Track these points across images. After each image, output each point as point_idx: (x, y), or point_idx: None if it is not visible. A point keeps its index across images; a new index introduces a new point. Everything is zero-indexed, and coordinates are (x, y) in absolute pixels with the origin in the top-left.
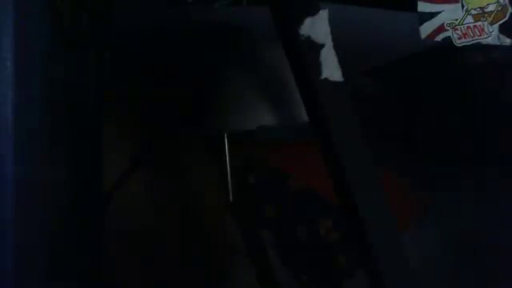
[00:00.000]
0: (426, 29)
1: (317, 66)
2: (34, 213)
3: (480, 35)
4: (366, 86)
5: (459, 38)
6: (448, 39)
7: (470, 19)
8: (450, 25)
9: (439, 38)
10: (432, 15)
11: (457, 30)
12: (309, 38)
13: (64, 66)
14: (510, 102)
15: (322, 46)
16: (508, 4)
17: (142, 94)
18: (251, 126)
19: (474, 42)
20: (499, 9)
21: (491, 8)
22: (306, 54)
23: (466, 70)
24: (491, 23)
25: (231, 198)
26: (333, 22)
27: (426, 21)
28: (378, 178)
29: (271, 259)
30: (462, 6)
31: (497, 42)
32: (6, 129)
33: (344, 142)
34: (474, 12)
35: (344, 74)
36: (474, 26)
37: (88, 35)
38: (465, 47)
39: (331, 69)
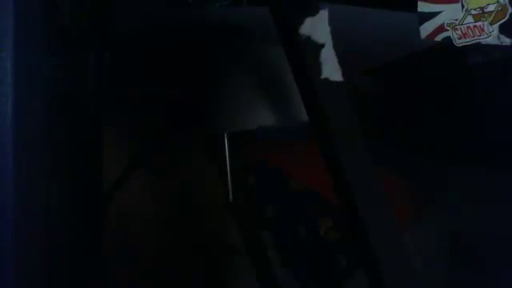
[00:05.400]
0: (425, 29)
1: (317, 66)
2: (34, 213)
3: (480, 35)
4: (366, 85)
5: (459, 38)
6: (448, 39)
7: (470, 19)
8: (449, 25)
9: (439, 37)
10: (432, 15)
11: (457, 30)
12: (309, 38)
13: (64, 66)
14: (510, 102)
15: (322, 45)
16: (508, 4)
17: (142, 94)
18: (251, 125)
19: (474, 41)
20: (499, 9)
21: (491, 8)
22: (305, 54)
23: (466, 70)
24: (491, 23)
25: (231, 197)
26: (333, 22)
27: (426, 21)
28: (377, 178)
29: (271, 259)
30: (462, 6)
31: (497, 42)
32: (6, 128)
33: (344, 141)
34: (474, 12)
35: (344, 74)
36: (474, 26)
37: (88, 35)
38: (465, 47)
39: (331, 69)
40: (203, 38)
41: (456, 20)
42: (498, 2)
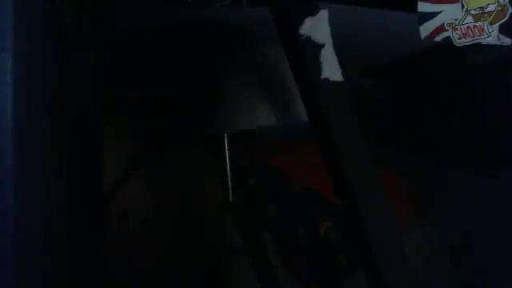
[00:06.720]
0: (425, 29)
1: (317, 66)
2: (35, 213)
3: (480, 35)
4: (366, 85)
5: (459, 38)
6: (448, 39)
7: (470, 19)
8: (449, 25)
9: (439, 37)
10: (432, 15)
11: (457, 30)
12: (309, 38)
13: (64, 66)
14: (509, 102)
15: (322, 46)
16: (508, 4)
17: (142, 94)
18: (251, 125)
19: (474, 42)
20: (499, 9)
21: (491, 8)
22: (305, 54)
23: (466, 70)
24: (491, 23)
25: (231, 198)
26: (333, 22)
27: (426, 21)
28: (378, 178)
29: (271, 259)
30: (462, 6)
31: (497, 42)
32: (6, 129)
33: (344, 142)
34: (473, 12)
35: (344, 74)
36: (474, 26)
37: (88, 35)
38: (465, 47)
39: (331, 69)
40: (203, 38)
41: (456, 20)
42: (497, 2)
